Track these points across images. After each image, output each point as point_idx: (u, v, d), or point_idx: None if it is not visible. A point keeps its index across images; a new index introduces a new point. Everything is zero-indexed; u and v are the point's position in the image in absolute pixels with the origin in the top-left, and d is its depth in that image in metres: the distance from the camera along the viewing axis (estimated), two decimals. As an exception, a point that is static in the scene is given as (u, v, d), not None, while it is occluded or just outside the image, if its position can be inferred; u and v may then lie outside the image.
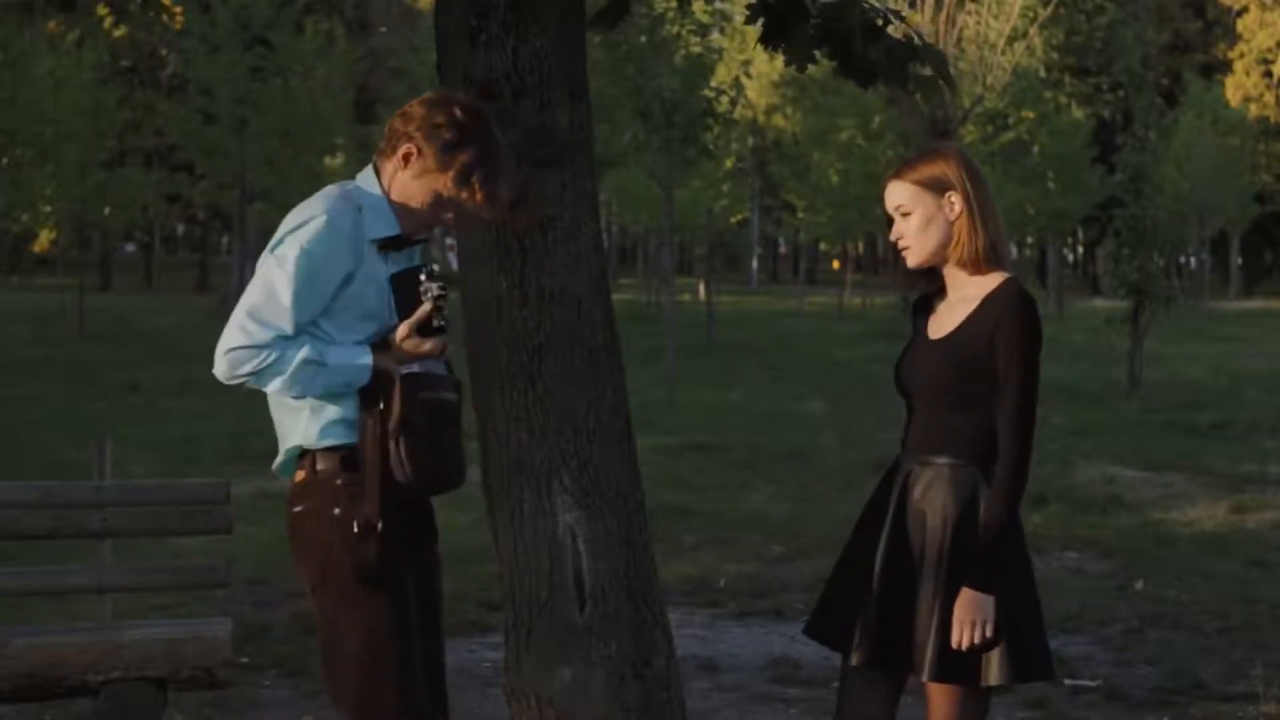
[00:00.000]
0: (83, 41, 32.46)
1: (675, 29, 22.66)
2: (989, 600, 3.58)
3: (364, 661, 3.52)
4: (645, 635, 4.61)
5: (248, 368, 3.44)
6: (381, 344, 3.53)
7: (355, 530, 3.50)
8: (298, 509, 3.58)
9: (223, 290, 41.34)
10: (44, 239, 41.39)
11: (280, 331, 3.43)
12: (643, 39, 21.53)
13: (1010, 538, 3.66)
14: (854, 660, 3.73)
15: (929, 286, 3.83)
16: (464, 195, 3.58)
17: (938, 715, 3.68)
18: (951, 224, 3.71)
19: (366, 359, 3.50)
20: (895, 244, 3.79)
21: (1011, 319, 3.63)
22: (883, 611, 3.69)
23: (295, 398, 3.51)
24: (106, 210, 36.00)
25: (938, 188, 3.71)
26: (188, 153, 35.22)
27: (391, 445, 3.48)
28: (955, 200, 3.70)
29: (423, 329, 3.53)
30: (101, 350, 25.79)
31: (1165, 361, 23.73)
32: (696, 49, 23.37)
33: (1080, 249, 69.61)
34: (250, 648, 6.86)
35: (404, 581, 3.58)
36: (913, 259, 3.76)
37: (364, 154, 41.85)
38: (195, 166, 36.01)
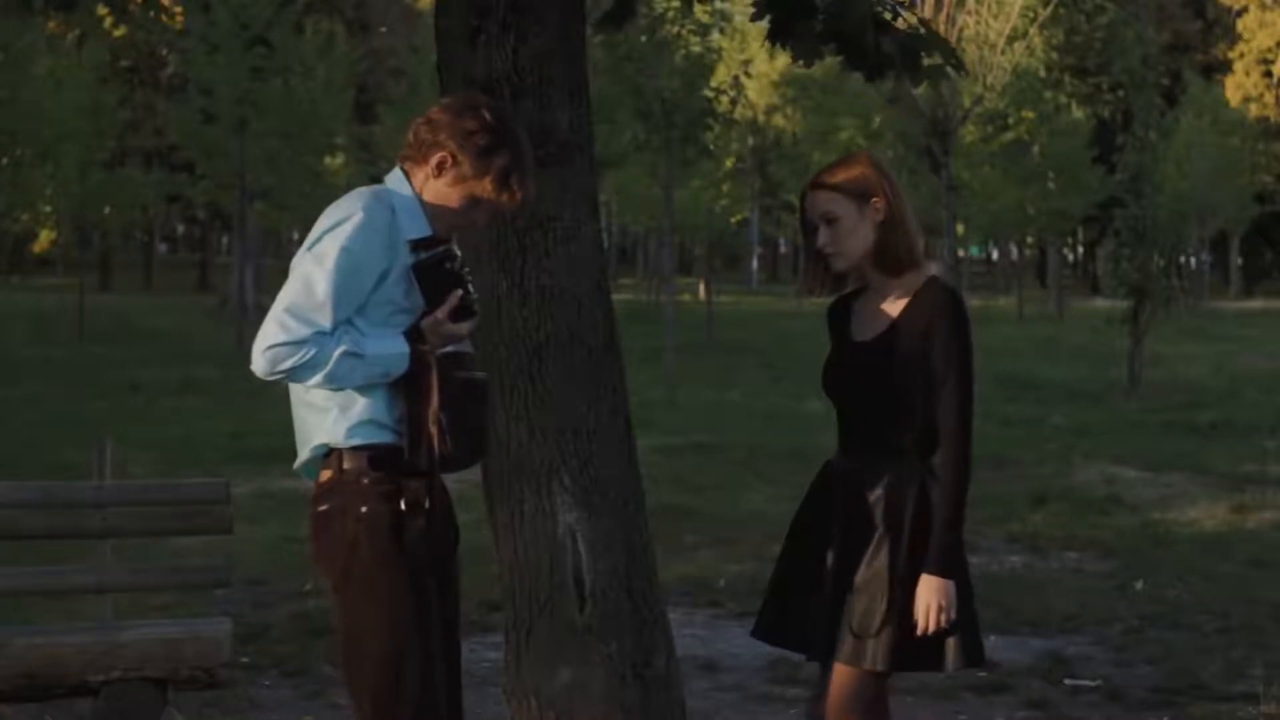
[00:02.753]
0: (83, 41, 32.47)
1: (675, 29, 22.63)
2: (950, 585, 3.69)
3: (385, 659, 3.53)
4: (645, 635, 4.62)
5: (288, 364, 3.45)
6: (414, 331, 3.56)
7: (403, 507, 3.54)
8: (323, 507, 3.59)
9: (223, 290, 41.34)
10: (44, 239, 41.35)
11: (319, 328, 3.45)
12: (643, 39, 21.51)
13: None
14: (810, 656, 3.84)
15: (846, 289, 3.92)
16: (504, 198, 3.64)
17: (843, 696, 3.73)
18: (876, 228, 3.79)
19: (404, 347, 3.53)
20: (820, 251, 3.84)
21: (944, 315, 3.75)
22: (837, 609, 3.76)
23: (334, 390, 3.52)
24: (106, 210, 35.97)
25: (862, 193, 3.80)
26: (188, 153, 35.17)
27: (432, 426, 3.53)
28: (880, 205, 3.80)
29: (456, 313, 3.57)
30: (101, 350, 25.80)
31: (1165, 361, 23.73)
32: (696, 49, 23.35)
33: (1080, 249, 69.57)
34: (250, 648, 6.87)
35: (426, 580, 3.59)
36: (840, 264, 3.84)
37: (364, 154, 41.90)
38: (195, 166, 35.96)
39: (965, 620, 3.74)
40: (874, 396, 3.78)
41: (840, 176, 3.82)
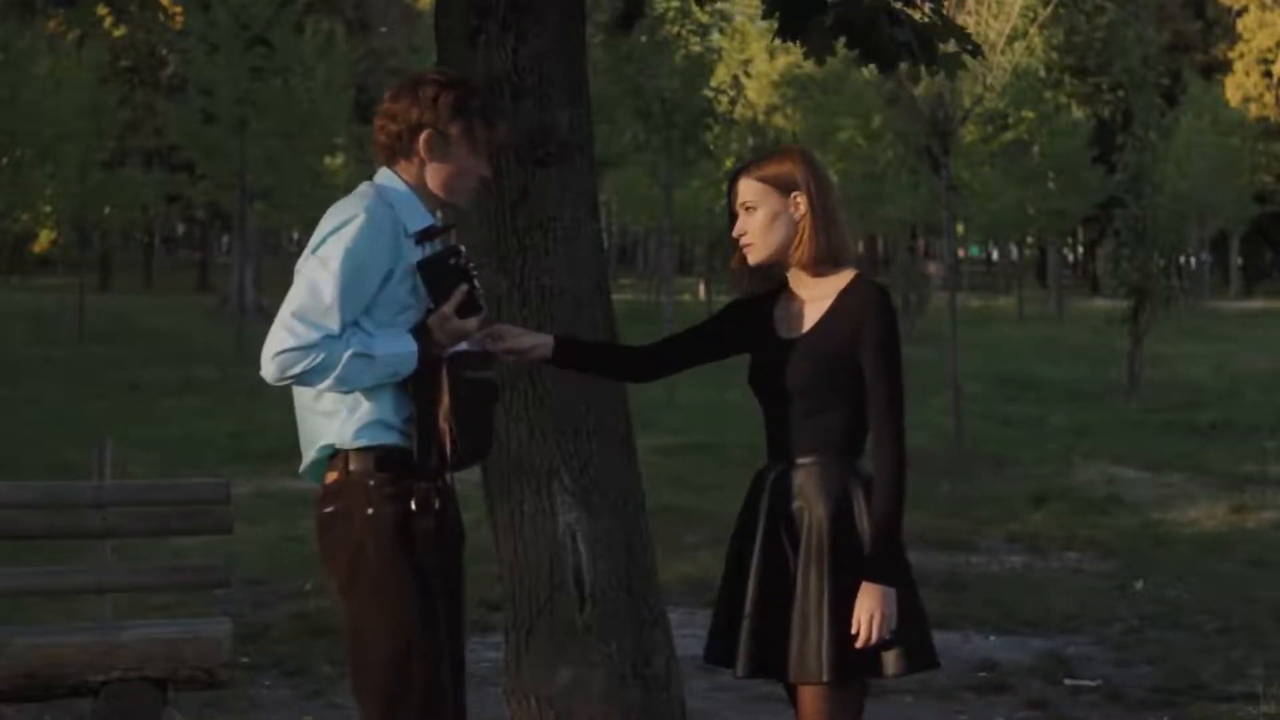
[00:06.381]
0: (83, 41, 32.43)
1: (675, 29, 22.63)
2: (891, 593, 3.60)
3: (392, 660, 3.53)
4: (645, 635, 4.62)
5: (297, 369, 3.44)
6: (421, 329, 3.56)
7: (413, 508, 3.53)
8: (329, 509, 3.58)
9: (223, 290, 41.33)
10: (44, 239, 41.33)
11: (328, 331, 3.44)
12: (643, 39, 21.50)
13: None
14: (738, 672, 3.72)
15: (763, 287, 3.85)
16: (493, 133, 3.67)
17: (814, 716, 3.65)
18: (796, 223, 3.75)
19: (412, 346, 3.53)
20: (737, 240, 3.81)
21: (874, 314, 3.68)
22: (763, 619, 3.68)
23: (343, 393, 3.52)
24: (106, 210, 35.95)
25: (784, 187, 3.75)
26: (188, 153, 35.18)
27: (443, 426, 3.52)
28: (800, 200, 3.74)
29: (462, 309, 3.56)
30: (101, 350, 25.79)
31: (1165, 361, 23.72)
32: (696, 49, 23.35)
33: (1080, 249, 69.56)
34: (250, 648, 6.86)
35: (432, 581, 3.58)
36: (754, 256, 3.79)
37: (364, 154, 41.83)
38: (195, 166, 35.96)
39: (911, 623, 3.66)
40: (798, 396, 3.71)
41: (766, 168, 3.77)
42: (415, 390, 3.54)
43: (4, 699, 5.23)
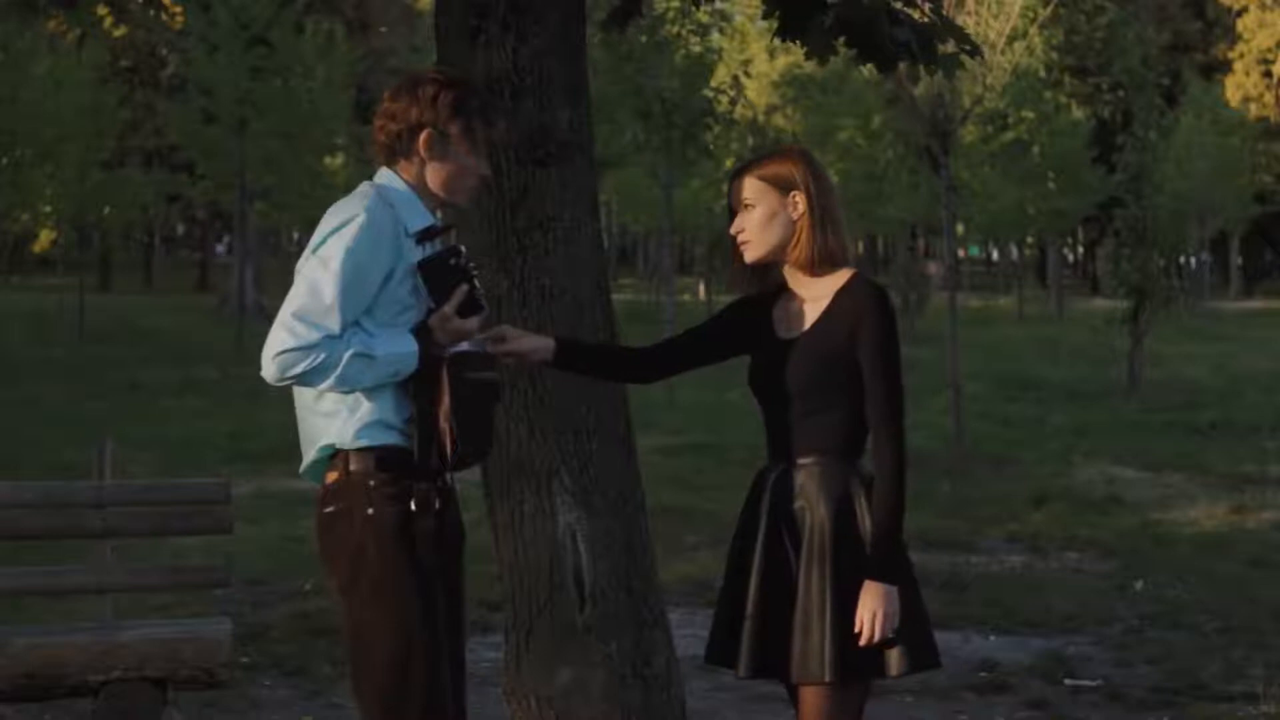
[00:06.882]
0: (83, 41, 32.42)
1: (675, 29, 22.60)
2: (893, 593, 3.61)
3: (393, 661, 3.53)
4: (645, 635, 4.62)
5: (298, 369, 3.44)
6: (422, 329, 3.56)
7: (413, 508, 3.53)
8: (329, 509, 3.58)
9: (223, 290, 41.33)
10: (44, 239, 41.32)
11: (328, 332, 3.45)
12: (643, 39, 21.47)
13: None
14: (740, 672, 3.72)
15: (758, 286, 3.86)
16: (492, 134, 3.69)
17: (816, 716, 3.65)
18: (793, 223, 3.76)
19: (412, 346, 3.53)
20: (734, 238, 3.82)
21: (872, 313, 3.69)
22: (765, 620, 3.68)
23: (344, 393, 3.53)
24: (106, 210, 35.94)
25: (783, 186, 3.76)
26: (188, 153, 35.17)
27: (444, 426, 3.52)
28: (799, 200, 3.75)
29: (463, 309, 3.56)
30: (101, 350, 25.79)
31: (1165, 361, 23.71)
32: (696, 49, 23.31)
33: (1080, 249, 69.55)
34: (250, 648, 6.87)
35: (433, 580, 3.58)
36: (751, 254, 3.80)
37: (364, 154, 41.85)
38: (195, 166, 35.96)
39: (913, 623, 3.66)
40: (797, 397, 3.71)
41: (766, 167, 3.79)
42: (416, 390, 3.55)
43: (4, 699, 5.23)
